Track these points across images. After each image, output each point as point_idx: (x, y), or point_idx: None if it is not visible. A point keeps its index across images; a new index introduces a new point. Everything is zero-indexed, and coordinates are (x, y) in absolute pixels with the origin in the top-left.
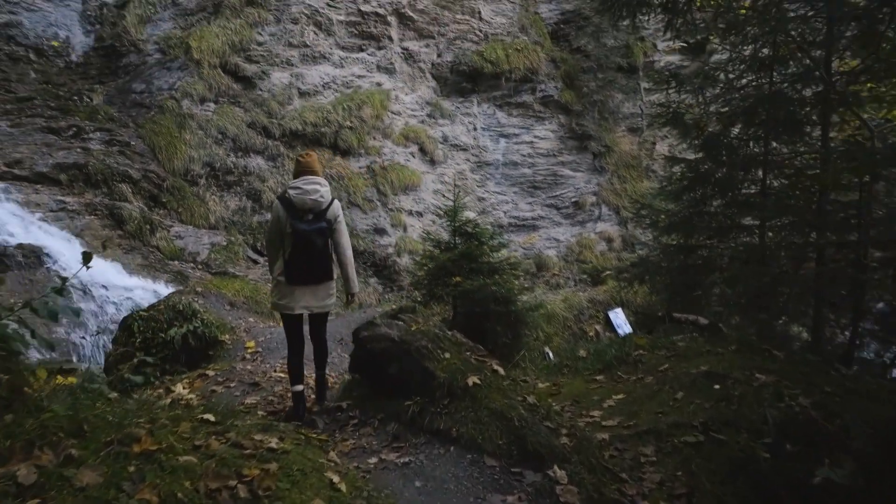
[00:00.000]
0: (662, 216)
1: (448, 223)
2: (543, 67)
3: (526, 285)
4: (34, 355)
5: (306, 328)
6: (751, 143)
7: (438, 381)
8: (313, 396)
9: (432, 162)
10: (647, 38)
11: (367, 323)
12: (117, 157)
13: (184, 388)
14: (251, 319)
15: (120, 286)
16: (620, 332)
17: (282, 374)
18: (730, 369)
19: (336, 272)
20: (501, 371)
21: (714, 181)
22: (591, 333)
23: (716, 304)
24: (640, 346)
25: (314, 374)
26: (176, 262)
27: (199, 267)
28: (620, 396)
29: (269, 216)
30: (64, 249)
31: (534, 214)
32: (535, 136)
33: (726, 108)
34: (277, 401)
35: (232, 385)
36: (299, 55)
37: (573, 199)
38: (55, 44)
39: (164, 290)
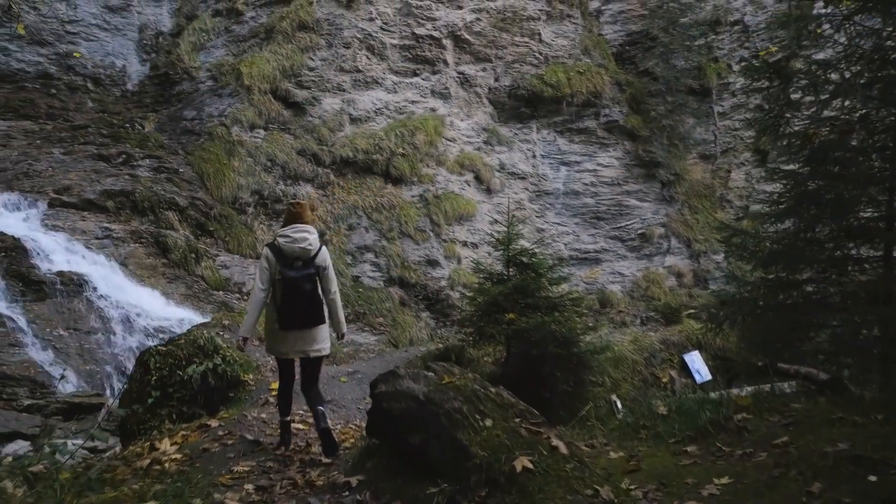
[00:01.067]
0: (766, 244)
1: (501, 252)
2: (608, 91)
3: (590, 324)
4: (69, 387)
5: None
6: (873, 156)
7: (474, 462)
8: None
9: (488, 191)
10: (722, 59)
11: (388, 373)
12: (165, 184)
13: (171, 445)
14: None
15: (160, 316)
16: (698, 378)
17: (301, 426)
18: (884, 450)
19: (328, 316)
20: (563, 448)
21: (825, 202)
22: (664, 380)
23: (828, 353)
24: (741, 407)
25: (318, 425)
26: (220, 293)
27: (244, 298)
28: (725, 481)
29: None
30: (106, 278)
31: (597, 247)
32: (599, 164)
33: (843, 112)
34: (276, 468)
35: (230, 442)
36: (351, 80)
37: (639, 231)
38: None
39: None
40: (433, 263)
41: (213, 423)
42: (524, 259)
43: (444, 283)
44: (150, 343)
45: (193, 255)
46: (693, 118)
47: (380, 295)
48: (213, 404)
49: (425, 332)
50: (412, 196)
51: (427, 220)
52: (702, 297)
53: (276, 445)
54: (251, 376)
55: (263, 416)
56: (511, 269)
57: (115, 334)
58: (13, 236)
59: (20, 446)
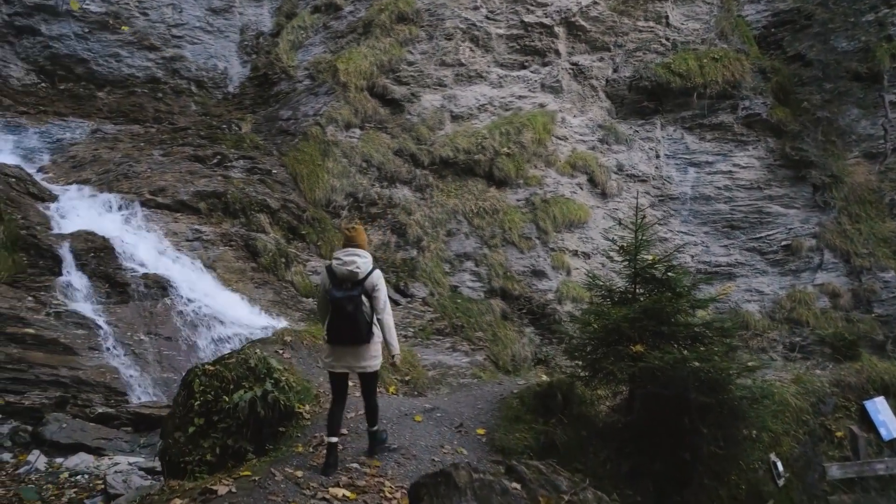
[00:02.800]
0: None
1: (626, 264)
2: (748, 79)
3: (749, 362)
4: (143, 396)
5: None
6: None
7: None
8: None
9: (603, 195)
10: None
11: (439, 477)
12: (257, 185)
13: None
14: (350, 383)
15: (244, 323)
16: (885, 434)
17: (347, 494)
18: None
19: (377, 337)
20: None
21: None
22: (839, 434)
23: None
24: None
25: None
26: (310, 300)
27: None
28: None
29: (414, 252)
30: (192, 282)
31: (730, 260)
32: (735, 165)
33: None
34: None
35: None
36: (453, 75)
37: (783, 242)
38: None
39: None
40: (539, 274)
41: (222, 487)
42: (657, 273)
43: (550, 296)
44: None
45: (283, 260)
46: (857, 108)
47: (479, 307)
48: (262, 439)
49: (528, 349)
50: (517, 200)
51: (533, 227)
52: (864, 323)
53: (321, 469)
54: (307, 407)
55: (300, 473)
56: (638, 287)
57: (195, 341)
58: (103, 237)
59: (82, 460)
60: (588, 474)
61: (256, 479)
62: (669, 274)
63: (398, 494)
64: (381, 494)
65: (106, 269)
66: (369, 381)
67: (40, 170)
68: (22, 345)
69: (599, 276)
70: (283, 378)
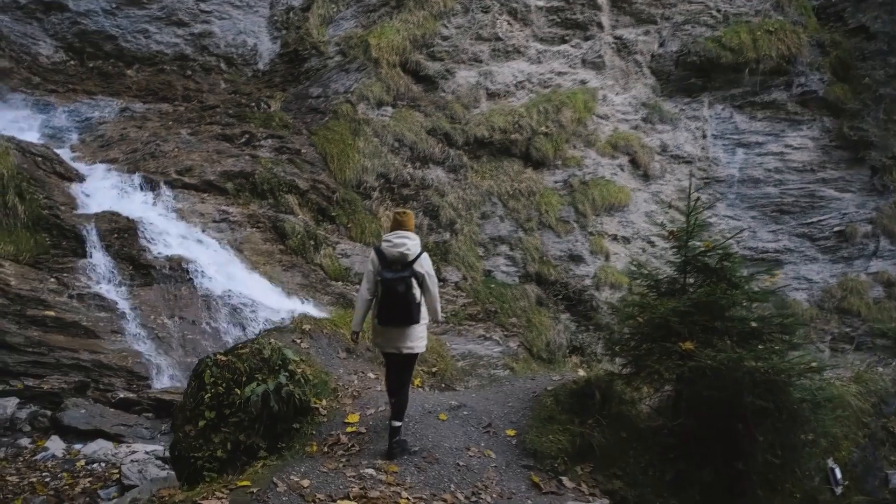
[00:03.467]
0: None
1: (674, 251)
2: (805, 54)
3: (812, 362)
4: (165, 381)
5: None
6: None
7: None
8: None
9: (645, 177)
10: None
11: None
12: (286, 165)
13: None
14: (371, 375)
15: (270, 307)
16: None
17: None
18: None
19: (424, 318)
20: None
21: None
22: None
23: None
24: None
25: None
26: (339, 283)
27: None
28: None
29: (447, 236)
30: (218, 264)
31: (778, 246)
32: (787, 146)
33: None
34: None
35: None
36: (489, 50)
37: (836, 228)
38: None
39: (322, 315)
40: (576, 259)
41: (214, 502)
42: (710, 262)
43: (588, 281)
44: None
45: (312, 242)
46: None
47: (514, 292)
48: (275, 435)
49: (564, 336)
50: (555, 182)
51: (571, 210)
52: None
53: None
54: (324, 402)
55: (307, 483)
56: (688, 276)
57: (221, 325)
58: (127, 217)
59: (100, 447)
60: (628, 482)
61: (255, 490)
62: (726, 263)
63: None
64: None
65: (130, 250)
66: (410, 364)
67: (69, 149)
68: (42, 327)
69: (646, 263)
70: (299, 370)
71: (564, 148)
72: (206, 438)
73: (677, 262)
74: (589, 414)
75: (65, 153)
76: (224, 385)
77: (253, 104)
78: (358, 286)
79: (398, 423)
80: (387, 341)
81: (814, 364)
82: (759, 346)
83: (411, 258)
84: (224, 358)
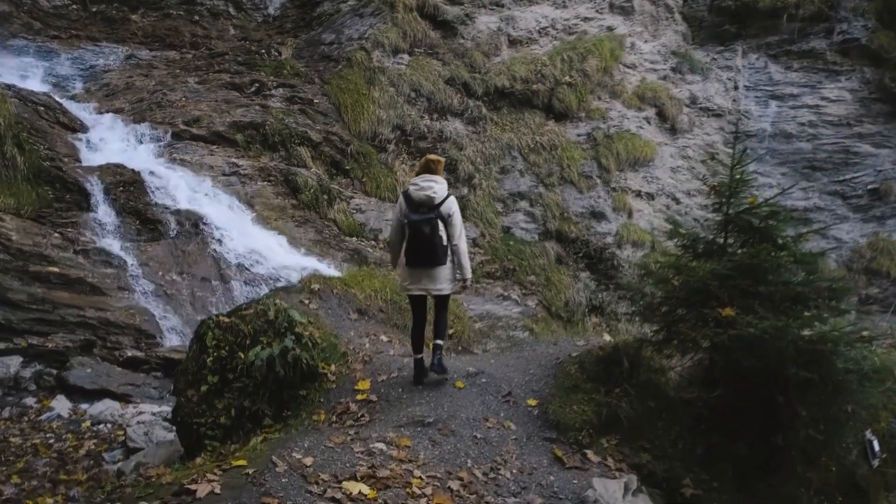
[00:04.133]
0: None
1: (714, 208)
2: None
3: (864, 331)
4: (174, 339)
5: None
6: None
7: None
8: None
9: (673, 130)
10: None
11: None
12: (297, 116)
13: None
14: (383, 338)
15: (282, 264)
16: None
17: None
18: None
19: (452, 261)
20: None
21: None
22: None
23: None
24: None
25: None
26: (354, 239)
27: (381, 246)
28: None
29: (465, 191)
30: (228, 219)
31: (808, 204)
32: (823, 98)
33: None
34: None
35: None
36: None
37: (870, 186)
38: None
39: (335, 272)
40: (598, 216)
41: (204, 486)
42: (754, 221)
43: (609, 239)
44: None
45: (326, 197)
46: None
47: (533, 249)
48: (282, 401)
49: (583, 295)
50: (578, 135)
51: (594, 165)
52: None
53: (413, 379)
54: (333, 368)
55: (309, 461)
56: (729, 236)
57: (231, 282)
58: (132, 169)
59: (107, 407)
60: (656, 455)
61: (251, 471)
62: (771, 223)
63: (429, 490)
64: (408, 490)
65: (136, 204)
66: (443, 301)
67: (73, 98)
68: (46, 284)
69: (683, 221)
70: (307, 333)
71: (589, 99)
72: (210, 404)
73: (717, 221)
74: (616, 383)
75: (69, 102)
76: (227, 348)
77: (263, 51)
78: (372, 242)
79: (440, 342)
80: (414, 283)
81: (865, 332)
82: (805, 314)
83: (437, 201)
84: (227, 320)
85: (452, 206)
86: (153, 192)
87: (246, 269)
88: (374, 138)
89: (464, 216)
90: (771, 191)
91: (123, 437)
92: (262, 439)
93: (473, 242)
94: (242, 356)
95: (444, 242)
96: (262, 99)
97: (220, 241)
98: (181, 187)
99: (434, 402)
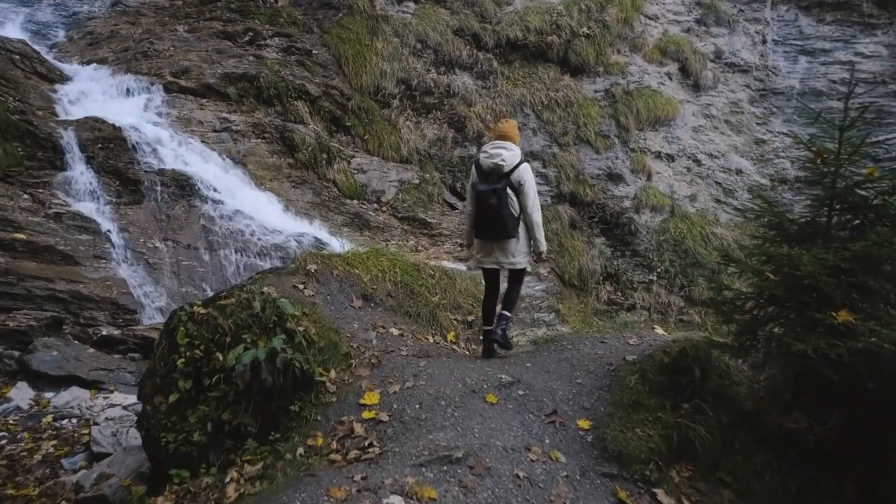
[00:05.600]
0: None
1: (815, 179)
2: None
3: None
4: (155, 315)
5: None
6: None
7: None
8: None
9: (696, 87)
10: None
11: None
12: (294, 68)
13: None
14: (394, 331)
15: (276, 229)
16: None
17: None
18: None
19: (524, 234)
20: None
21: None
22: None
23: None
24: None
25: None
26: (355, 202)
27: (384, 209)
28: None
29: (473, 150)
30: (218, 179)
31: None
32: (857, 54)
33: None
34: None
35: None
36: None
37: None
38: None
39: (334, 239)
40: (616, 178)
41: None
42: (867, 196)
43: (627, 203)
44: (261, 263)
45: (325, 156)
46: None
47: (545, 213)
48: (270, 413)
49: (598, 262)
50: (595, 91)
51: (612, 123)
52: None
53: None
54: (333, 374)
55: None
56: (834, 215)
57: (221, 250)
58: (113, 125)
59: (74, 397)
60: (738, 491)
61: None
62: (886, 198)
63: None
64: None
65: (116, 163)
66: (517, 275)
67: (54, 47)
68: (11, 253)
69: (768, 197)
70: (301, 329)
71: (607, 52)
72: (181, 415)
73: (815, 195)
74: (684, 396)
75: (49, 52)
76: (202, 347)
77: None
78: (375, 205)
79: (507, 313)
80: (486, 256)
81: None
82: None
83: (507, 169)
84: (203, 311)
85: (524, 175)
86: (136, 149)
87: (237, 235)
88: (377, 93)
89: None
90: (798, 152)
91: (88, 438)
92: (236, 494)
93: None
94: (221, 358)
95: (515, 214)
96: (257, 49)
97: (208, 203)
98: (167, 144)
99: (461, 425)
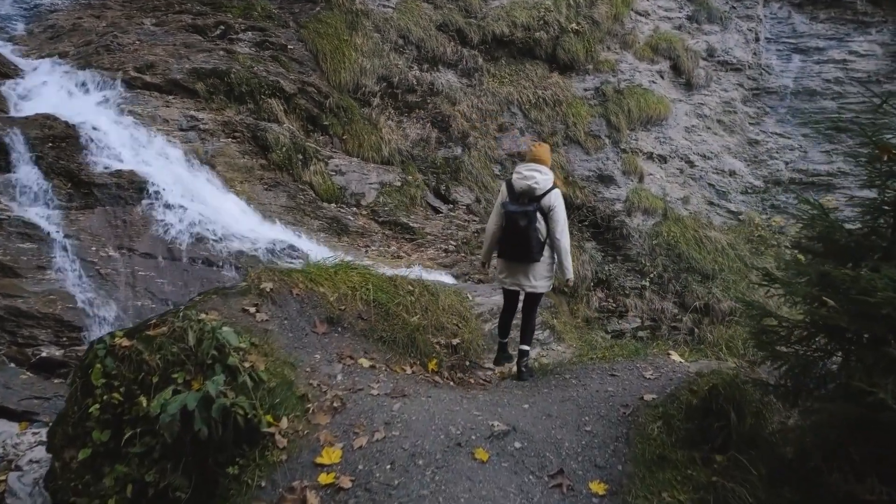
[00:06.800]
0: None
1: (875, 182)
2: None
3: None
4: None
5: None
6: None
7: None
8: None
9: (688, 85)
10: None
11: None
12: (268, 63)
13: None
14: (364, 362)
15: (245, 235)
16: None
17: None
18: None
19: (549, 258)
20: None
21: None
22: None
23: None
24: None
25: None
26: (332, 205)
27: (363, 213)
28: None
29: (458, 151)
30: (181, 182)
31: (831, 168)
32: (851, 52)
33: None
34: None
35: None
36: None
37: None
38: None
39: (310, 245)
40: (606, 180)
41: None
42: None
43: (618, 206)
44: (228, 274)
45: (300, 156)
46: None
47: None
48: (205, 474)
49: (589, 267)
50: (585, 89)
51: (602, 123)
52: None
53: (495, 361)
54: (285, 423)
55: None
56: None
57: (182, 259)
58: (66, 122)
59: (1, 431)
60: None
61: None
62: None
63: None
64: None
65: (69, 164)
66: (534, 299)
67: (11, 40)
68: None
69: (815, 202)
70: (247, 365)
71: (597, 49)
72: (96, 475)
73: (871, 201)
74: (718, 446)
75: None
76: (123, 389)
77: None
78: (354, 209)
79: (526, 347)
80: (509, 276)
81: None
82: None
83: (539, 192)
84: (126, 343)
85: (555, 200)
86: (91, 148)
87: (202, 242)
88: (357, 90)
89: (457, 179)
90: (792, 153)
91: (4, 487)
92: None
93: (468, 209)
94: (145, 403)
95: (542, 237)
96: (228, 43)
97: (169, 208)
98: (127, 144)
99: (444, 493)
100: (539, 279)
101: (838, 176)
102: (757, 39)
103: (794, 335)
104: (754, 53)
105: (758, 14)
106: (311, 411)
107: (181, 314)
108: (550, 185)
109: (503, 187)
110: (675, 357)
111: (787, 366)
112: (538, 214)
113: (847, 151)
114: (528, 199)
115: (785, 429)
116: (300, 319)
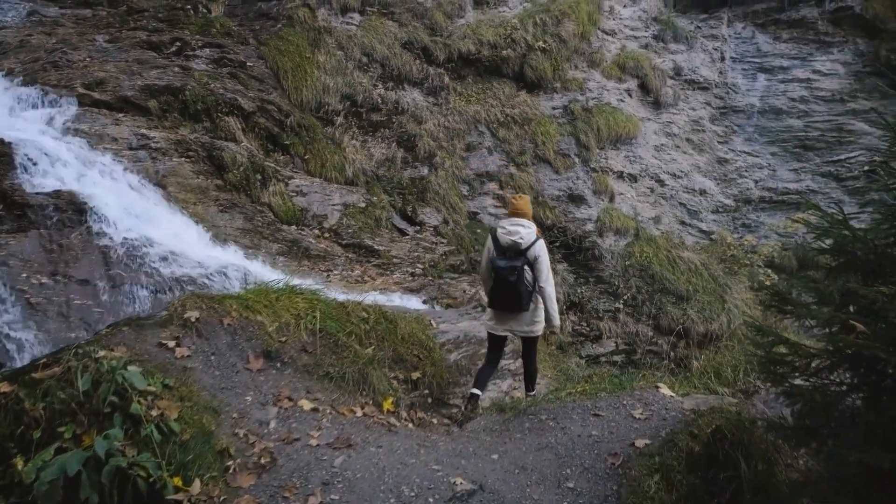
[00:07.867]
0: None
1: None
2: None
3: None
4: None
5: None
6: None
7: None
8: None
9: (656, 104)
10: None
11: None
12: (226, 80)
13: None
14: (305, 405)
15: (195, 261)
16: None
17: None
18: None
19: (537, 304)
20: None
21: None
22: None
23: None
24: None
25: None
26: (293, 228)
27: (326, 236)
28: None
29: (425, 171)
30: (125, 203)
31: (799, 186)
32: (815, 72)
33: None
34: None
35: None
36: None
37: (866, 167)
38: None
39: (265, 270)
40: (577, 200)
41: None
42: None
43: (589, 226)
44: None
45: (259, 177)
46: None
47: None
48: None
49: (561, 290)
50: (553, 108)
51: (572, 141)
52: None
53: (458, 419)
54: (198, 487)
55: None
56: None
57: (124, 286)
58: (1, 140)
59: None
60: None
61: None
62: None
63: None
64: None
65: (0, 183)
66: (530, 345)
67: None
68: None
69: (829, 212)
70: (154, 413)
71: (565, 68)
72: None
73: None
74: (724, 499)
75: None
76: None
77: (189, 7)
78: (316, 231)
79: (532, 393)
80: (500, 324)
81: None
82: None
83: (524, 247)
84: (6, 389)
85: (539, 250)
86: (26, 168)
87: (147, 268)
88: (319, 109)
89: (424, 200)
90: (761, 172)
91: None
92: None
93: (435, 230)
94: (21, 466)
95: (530, 288)
96: (184, 60)
97: (111, 230)
98: (71, 164)
99: None
100: (531, 324)
101: (806, 194)
102: (723, 59)
103: (812, 366)
104: (720, 72)
105: (722, 34)
106: (231, 470)
107: (79, 351)
108: (534, 238)
109: (489, 240)
110: (665, 390)
111: (805, 403)
112: (525, 268)
113: (814, 170)
114: (515, 253)
115: (801, 476)
116: (230, 354)
